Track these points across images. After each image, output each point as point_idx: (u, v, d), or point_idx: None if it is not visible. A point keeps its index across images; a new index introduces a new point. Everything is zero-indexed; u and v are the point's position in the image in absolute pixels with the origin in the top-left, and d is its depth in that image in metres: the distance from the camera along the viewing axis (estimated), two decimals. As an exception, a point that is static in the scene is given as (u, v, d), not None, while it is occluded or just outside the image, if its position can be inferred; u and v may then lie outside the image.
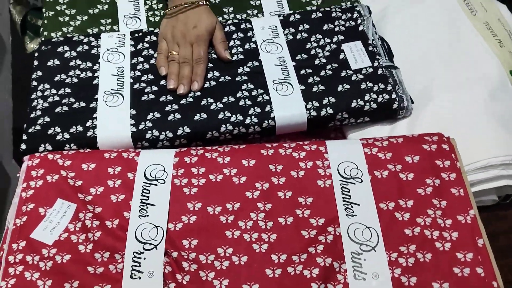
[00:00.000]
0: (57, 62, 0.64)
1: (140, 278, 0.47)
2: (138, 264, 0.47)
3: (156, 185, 0.52)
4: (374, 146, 0.54)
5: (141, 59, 0.65)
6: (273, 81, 0.61)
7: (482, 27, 0.65)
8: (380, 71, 0.61)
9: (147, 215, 0.50)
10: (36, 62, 0.64)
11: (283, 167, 0.53)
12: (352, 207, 0.50)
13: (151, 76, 0.63)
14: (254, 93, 0.60)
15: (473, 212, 0.49)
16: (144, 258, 0.48)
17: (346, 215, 0.49)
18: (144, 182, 0.53)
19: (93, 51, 0.65)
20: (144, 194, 0.52)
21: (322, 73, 0.62)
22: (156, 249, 0.48)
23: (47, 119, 0.59)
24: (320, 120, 0.59)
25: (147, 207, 0.51)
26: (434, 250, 0.47)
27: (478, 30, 0.64)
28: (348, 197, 0.50)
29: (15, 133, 0.90)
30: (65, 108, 0.60)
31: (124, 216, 0.50)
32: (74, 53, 0.65)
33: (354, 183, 0.51)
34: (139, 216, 0.50)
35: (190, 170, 0.53)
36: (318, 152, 0.54)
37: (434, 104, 0.59)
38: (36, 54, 0.65)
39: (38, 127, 0.58)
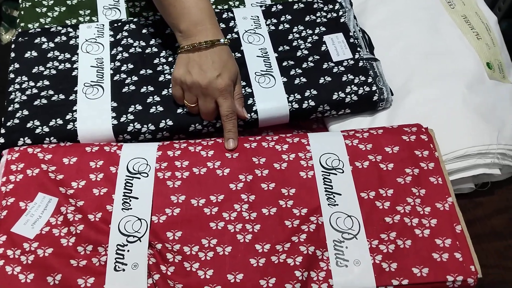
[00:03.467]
0: (34, 53, 0.63)
1: (124, 270, 0.47)
2: (121, 257, 0.47)
3: (139, 178, 0.52)
4: (355, 137, 0.55)
5: (120, 48, 0.64)
6: (255, 73, 0.61)
7: (460, 20, 0.66)
8: (361, 63, 0.62)
9: (130, 208, 0.50)
10: (13, 54, 0.63)
11: (266, 160, 0.54)
12: (334, 197, 0.51)
13: (130, 66, 0.62)
14: None
15: (451, 200, 0.50)
16: (128, 251, 0.48)
17: (328, 204, 0.50)
18: (127, 176, 0.52)
19: (72, 42, 0.64)
20: (127, 187, 0.52)
21: (304, 65, 0.62)
22: (140, 241, 0.48)
23: (25, 112, 0.57)
24: (302, 112, 0.59)
25: (130, 200, 0.51)
26: (414, 236, 0.48)
27: (456, 23, 0.66)
28: (330, 187, 0.51)
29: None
30: (44, 101, 0.59)
31: (107, 210, 0.50)
32: (52, 44, 0.64)
33: (336, 174, 0.52)
34: (122, 209, 0.50)
35: (173, 163, 0.53)
36: (300, 145, 0.55)
37: (413, 96, 0.60)
38: (13, 46, 0.64)
39: (16, 121, 0.57)
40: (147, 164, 0.53)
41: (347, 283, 0.46)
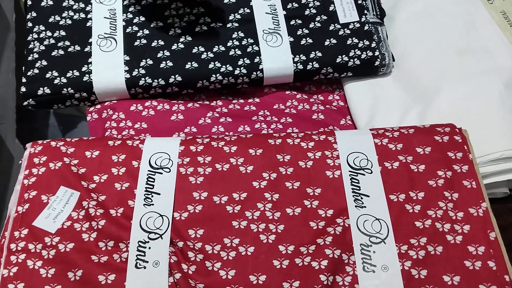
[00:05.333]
0: (50, 2, 0.65)
1: (145, 267, 0.46)
2: (143, 254, 0.46)
3: (161, 173, 0.51)
4: (385, 136, 0.53)
5: (132, 0, 0.65)
6: (263, 30, 0.62)
7: (499, 16, 0.63)
8: (366, 27, 0.62)
9: (152, 204, 0.49)
10: (29, 2, 0.65)
11: (291, 157, 0.52)
12: (361, 198, 0.49)
13: (142, 18, 0.63)
14: (244, 42, 0.61)
15: (485, 205, 0.48)
16: (149, 248, 0.47)
17: (356, 206, 0.48)
18: (149, 171, 0.51)
19: None
20: (149, 182, 0.51)
21: (311, 25, 0.62)
22: (162, 238, 0.47)
23: (44, 62, 0.60)
24: (306, 73, 0.60)
25: (152, 196, 0.50)
26: (445, 243, 0.46)
27: (495, 19, 0.63)
28: (358, 188, 0.49)
29: (18, 111, 0.89)
30: (61, 52, 0.61)
31: (128, 205, 0.49)
32: None
33: (364, 174, 0.50)
34: (144, 204, 0.49)
35: (196, 158, 0.52)
36: (327, 142, 0.53)
37: (446, 94, 0.58)
38: None
39: (36, 71, 0.59)
40: (169, 159, 0.52)
41: (374, 289, 0.44)
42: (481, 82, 0.57)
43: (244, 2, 0.64)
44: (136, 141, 0.54)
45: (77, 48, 0.61)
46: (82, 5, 0.64)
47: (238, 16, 0.63)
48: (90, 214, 0.49)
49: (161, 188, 0.50)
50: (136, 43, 0.61)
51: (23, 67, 0.60)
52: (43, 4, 0.65)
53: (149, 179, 0.51)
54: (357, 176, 0.50)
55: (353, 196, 0.49)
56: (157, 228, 0.48)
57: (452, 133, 0.52)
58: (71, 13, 0.63)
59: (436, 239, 0.46)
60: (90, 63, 0.59)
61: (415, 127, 0.54)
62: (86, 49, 0.61)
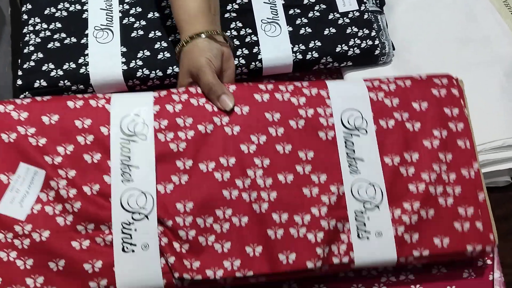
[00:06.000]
0: None
1: (133, 251, 0.43)
2: (129, 236, 0.43)
3: (136, 142, 0.45)
4: (380, 89, 0.49)
5: None
6: (261, 20, 0.60)
7: (499, 4, 0.62)
8: (366, 16, 0.60)
9: (132, 180, 0.44)
10: None
11: (281, 116, 0.48)
12: (356, 163, 0.47)
13: (139, 9, 0.61)
14: (242, 32, 0.59)
15: (477, 166, 0.48)
16: (135, 230, 0.43)
17: (350, 172, 0.46)
18: (122, 139, 0.45)
19: None
20: (124, 153, 0.45)
21: (310, 15, 0.61)
22: (148, 219, 0.44)
23: (40, 55, 0.58)
24: (305, 63, 0.58)
25: (130, 170, 0.45)
26: (437, 206, 0.46)
27: (495, 7, 0.62)
28: (352, 152, 0.47)
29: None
30: (57, 44, 0.59)
31: (104, 181, 0.44)
32: None
33: (359, 135, 0.47)
34: (122, 181, 0.44)
35: (174, 120, 0.46)
36: (319, 98, 0.48)
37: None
38: None
39: (32, 63, 0.57)
40: (144, 123, 0.46)
41: (368, 256, 0.45)
42: (482, 71, 0.56)
43: None
44: (101, 100, 0.47)
45: (73, 40, 0.59)
46: None
47: (236, 6, 0.60)
48: (61, 196, 0.43)
49: (139, 161, 0.45)
50: (133, 34, 0.59)
51: (19, 60, 0.58)
52: None
53: (124, 149, 0.45)
54: (351, 137, 0.47)
55: (347, 161, 0.47)
56: (141, 208, 0.44)
57: (450, 85, 0.50)
58: (67, 5, 0.61)
59: (429, 203, 0.46)
60: (87, 55, 0.58)
61: (411, 79, 0.50)
62: (83, 41, 0.58)
